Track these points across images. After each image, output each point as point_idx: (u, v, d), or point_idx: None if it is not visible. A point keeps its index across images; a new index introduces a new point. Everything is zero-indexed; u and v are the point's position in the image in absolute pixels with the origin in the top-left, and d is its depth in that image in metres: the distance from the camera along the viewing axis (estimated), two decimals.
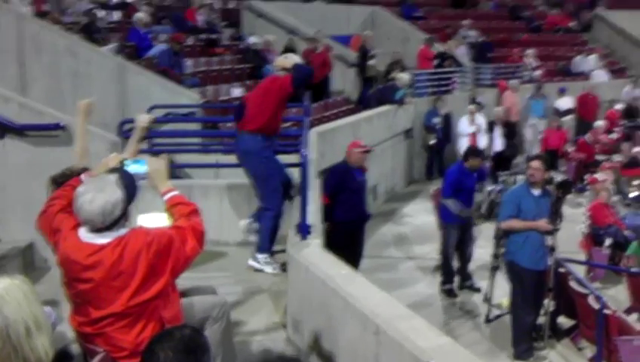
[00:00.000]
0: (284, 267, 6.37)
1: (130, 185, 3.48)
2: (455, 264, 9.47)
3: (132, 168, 3.78)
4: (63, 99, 9.40)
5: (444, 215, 9.37)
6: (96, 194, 3.31)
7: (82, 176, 3.84)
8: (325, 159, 8.97)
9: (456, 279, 9.48)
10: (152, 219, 4.19)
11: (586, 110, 18.40)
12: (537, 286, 7.36)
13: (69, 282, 3.49)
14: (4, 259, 6.03)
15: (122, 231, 3.40)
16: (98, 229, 3.36)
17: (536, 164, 7.28)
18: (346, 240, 7.73)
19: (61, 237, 3.50)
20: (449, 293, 9.31)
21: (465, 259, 9.50)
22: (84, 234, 3.41)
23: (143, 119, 4.62)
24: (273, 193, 6.55)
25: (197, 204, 3.73)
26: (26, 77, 9.42)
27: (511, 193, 7.63)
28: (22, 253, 6.30)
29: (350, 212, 7.91)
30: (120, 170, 3.64)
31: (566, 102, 18.23)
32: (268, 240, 6.63)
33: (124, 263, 3.33)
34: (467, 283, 9.48)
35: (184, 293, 4.21)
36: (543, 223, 7.16)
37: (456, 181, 9.03)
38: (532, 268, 7.24)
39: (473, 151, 9.68)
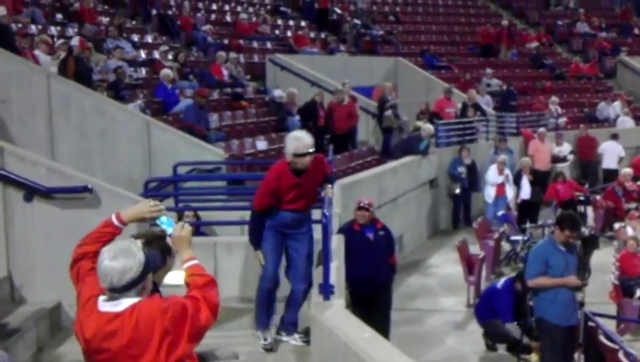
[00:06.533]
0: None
1: (151, 262, 3.53)
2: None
3: (163, 226, 3.83)
4: (90, 158, 9.57)
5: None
6: (120, 253, 3.38)
7: (113, 217, 3.86)
8: (349, 211, 8.95)
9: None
10: (177, 276, 4.19)
11: (586, 151, 18.94)
12: (568, 342, 7.24)
13: (87, 353, 3.52)
14: (31, 320, 6.07)
15: (137, 299, 3.43)
16: (114, 290, 3.38)
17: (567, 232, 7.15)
18: (363, 300, 7.53)
19: (80, 301, 3.55)
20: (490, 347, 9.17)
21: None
22: (101, 302, 3.45)
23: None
24: None
25: (214, 276, 3.73)
26: (54, 136, 9.58)
27: (537, 249, 7.48)
28: (49, 313, 6.33)
29: (357, 270, 7.43)
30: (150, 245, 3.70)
31: (566, 148, 18.16)
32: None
33: (140, 330, 3.35)
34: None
35: (205, 358, 4.21)
36: (572, 279, 7.06)
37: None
38: (563, 325, 7.11)
39: None
